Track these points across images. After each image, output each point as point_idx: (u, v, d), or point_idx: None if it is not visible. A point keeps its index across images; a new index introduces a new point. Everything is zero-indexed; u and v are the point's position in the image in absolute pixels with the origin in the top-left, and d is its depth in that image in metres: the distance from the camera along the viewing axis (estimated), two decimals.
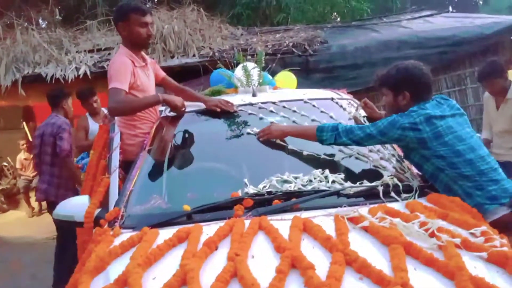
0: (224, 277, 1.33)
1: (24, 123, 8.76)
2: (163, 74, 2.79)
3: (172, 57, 6.21)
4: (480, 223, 1.62)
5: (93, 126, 4.22)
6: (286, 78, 4.07)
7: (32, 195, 7.35)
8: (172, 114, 2.50)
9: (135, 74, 2.42)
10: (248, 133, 2.29)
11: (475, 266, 1.40)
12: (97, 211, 2.03)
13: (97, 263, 1.54)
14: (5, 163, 8.49)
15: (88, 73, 5.73)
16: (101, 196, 2.12)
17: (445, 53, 6.50)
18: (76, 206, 2.10)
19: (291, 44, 6.56)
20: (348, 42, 6.72)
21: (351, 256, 1.37)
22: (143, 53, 2.62)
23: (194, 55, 6.22)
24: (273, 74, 3.98)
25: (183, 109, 2.43)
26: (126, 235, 1.70)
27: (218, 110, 2.42)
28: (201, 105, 2.54)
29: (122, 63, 2.39)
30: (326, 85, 6.57)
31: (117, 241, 1.67)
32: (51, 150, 3.79)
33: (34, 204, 7.27)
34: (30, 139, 8.00)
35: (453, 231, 1.53)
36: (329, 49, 6.65)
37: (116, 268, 1.48)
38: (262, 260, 1.44)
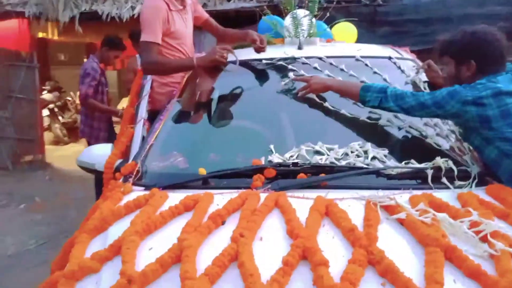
0: (222, 261, 1.16)
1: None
2: (206, 15, 2.54)
3: (229, 0, 5.89)
4: None
5: None
6: (345, 30, 3.66)
7: None
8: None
9: (169, 19, 2.20)
10: (286, 90, 2.04)
11: None
12: (118, 162, 1.93)
13: (98, 222, 1.44)
14: (68, 98, 8.86)
15: None
16: (123, 146, 2.01)
17: None
18: (98, 154, 2.01)
19: None
20: None
21: (376, 255, 1.14)
22: None
23: None
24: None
25: (225, 59, 2.12)
26: (136, 193, 1.58)
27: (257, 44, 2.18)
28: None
29: (153, 8, 2.18)
30: (394, 41, 5.93)
31: (125, 200, 1.55)
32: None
33: None
34: None
35: None
36: None
37: (116, 231, 1.37)
38: (271, 244, 1.25)
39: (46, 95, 8.27)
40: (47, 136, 7.76)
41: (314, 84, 1.95)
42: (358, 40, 3.98)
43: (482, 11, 5.93)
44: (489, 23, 1.93)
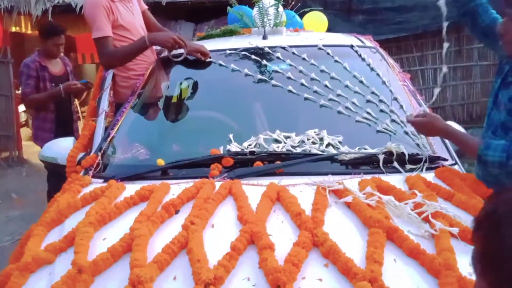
0: (172, 248, 1.18)
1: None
2: (144, 6, 2.48)
3: None
4: None
5: None
6: (315, 19, 3.70)
7: None
8: (176, 57, 2.24)
9: (113, 11, 2.17)
10: (248, 81, 2.05)
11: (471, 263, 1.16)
12: (81, 155, 1.94)
13: (55, 214, 1.45)
14: None
15: None
16: (85, 140, 2.01)
17: None
18: (61, 148, 2.01)
19: None
20: None
21: (320, 238, 1.18)
22: None
23: None
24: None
25: (178, 46, 2.10)
26: (94, 186, 1.60)
27: (199, 55, 2.16)
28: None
29: (95, 2, 2.14)
30: (368, 29, 6.03)
31: (83, 192, 1.57)
32: None
33: None
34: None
35: (453, 217, 1.28)
36: None
37: (72, 223, 1.38)
38: (221, 231, 1.28)
39: None
40: (24, 132, 7.65)
41: (434, 125, 1.58)
42: (334, 29, 4.00)
43: None
44: None
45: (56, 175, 3.35)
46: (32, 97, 3.33)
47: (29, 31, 6.54)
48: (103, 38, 2.12)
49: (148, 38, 2.10)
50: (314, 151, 1.64)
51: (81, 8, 5.59)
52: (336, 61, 2.17)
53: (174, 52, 2.17)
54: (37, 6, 5.64)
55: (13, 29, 6.57)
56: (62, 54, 3.52)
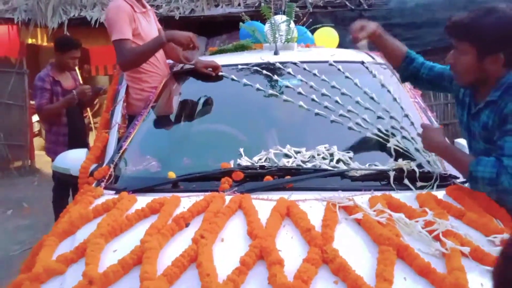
0: (182, 261, 1.19)
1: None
2: (159, 26, 2.54)
3: (217, 5, 5.94)
4: (504, 229, 1.34)
5: None
6: (326, 35, 3.73)
7: None
8: (188, 66, 2.28)
9: (135, 19, 2.21)
10: (259, 95, 2.07)
11: (482, 283, 1.15)
12: (93, 166, 1.96)
13: (67, 225, 1.47)
14: None
15: None
16: (98, 151, 2.04)
17: None
18: (73, 159, 2.04)
19: None
20: None
21: (329, 254, 1.18)
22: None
23: (239, 4, 5.92)
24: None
25: (192, 45, 2.16)
26: (105, 197, 1.62)
27: (209, 70, 2.19)
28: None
29: (118, 8, 2.19)
30: None
31: (95, 203, 1.58)
32: None
33: None
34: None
35: (464, 236, 1.27)
36: (386, 4, 6.07)
37: (84, 234, 1.40)
38: (231, 245, 1.28)
39: None
40: (38, 141, 7.75)
41: (430, 141, 1.61)
42: (345, 45, 4.04)
43: None
44: None
45: (62, 188, 3.41)
46: (48, 107, 3.38)
47: (44, 43, 6.68)
48: (123, 40, 2.15)
49: (165, 35, 2.14)
50: (324, 166, 1.64)
51: (96, 21, 5.71)
52: (347, 77, 2.18)
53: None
54: (53, 19, 5.78)
55: (30, 41, 6.73)
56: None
